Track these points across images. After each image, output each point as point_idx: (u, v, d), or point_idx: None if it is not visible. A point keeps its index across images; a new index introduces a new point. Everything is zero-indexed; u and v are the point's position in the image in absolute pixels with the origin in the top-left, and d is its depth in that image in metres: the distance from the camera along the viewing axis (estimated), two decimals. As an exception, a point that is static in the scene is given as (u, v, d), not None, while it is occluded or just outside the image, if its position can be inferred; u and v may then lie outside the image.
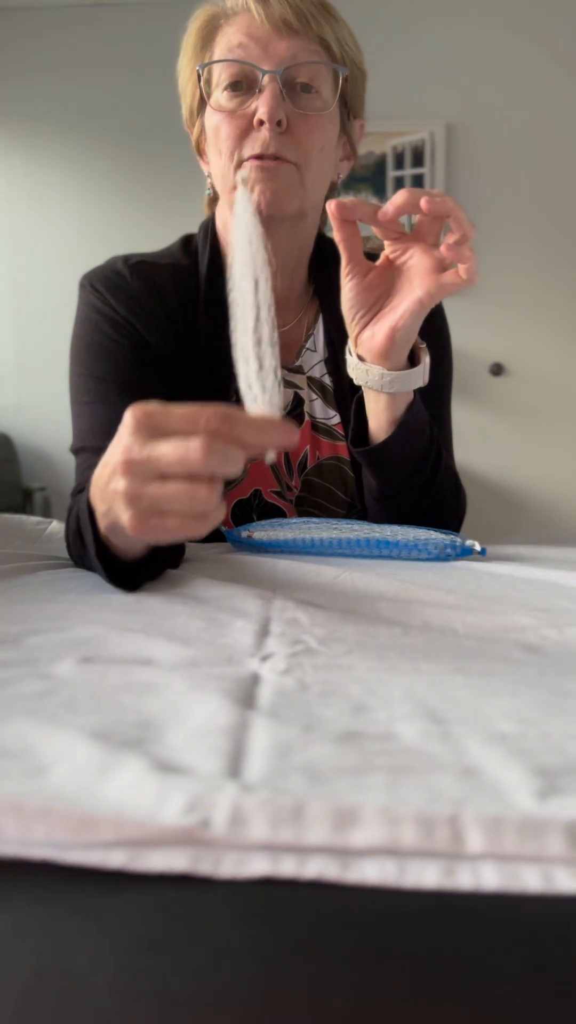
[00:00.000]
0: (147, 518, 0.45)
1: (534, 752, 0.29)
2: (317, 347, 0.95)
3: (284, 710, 0.34)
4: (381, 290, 0.72)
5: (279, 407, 0.48)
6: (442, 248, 0.66)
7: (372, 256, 0.75)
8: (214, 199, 0.91)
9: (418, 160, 3.00)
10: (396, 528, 0.76)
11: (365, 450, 0.79)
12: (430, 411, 0.82)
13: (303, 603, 0.54)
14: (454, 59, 2.98)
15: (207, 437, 0.41)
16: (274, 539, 0.78)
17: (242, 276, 0.53)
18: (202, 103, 0.85)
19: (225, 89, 0.80)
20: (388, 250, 0.72)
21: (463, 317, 2.59)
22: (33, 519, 0.97)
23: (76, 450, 0.84)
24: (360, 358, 0.75)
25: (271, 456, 0.45)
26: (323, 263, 0.94)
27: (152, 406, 0.44)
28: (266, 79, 0.77)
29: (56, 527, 0.93)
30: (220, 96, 0.81)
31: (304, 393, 0.94)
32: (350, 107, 0.87)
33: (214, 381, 0.86)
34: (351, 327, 0.74)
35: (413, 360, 0.76)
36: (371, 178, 3.00)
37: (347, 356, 0.76)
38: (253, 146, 0.78)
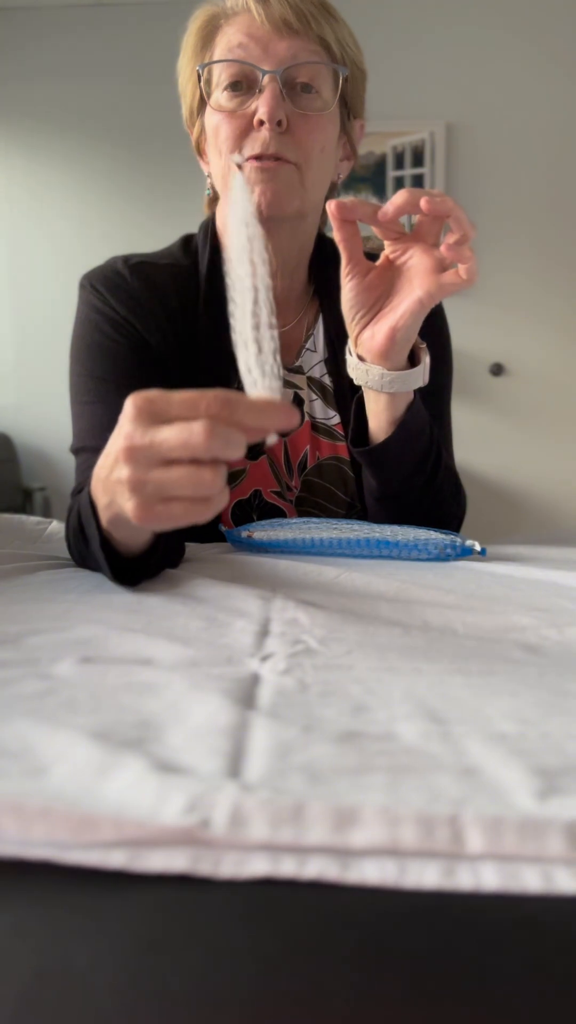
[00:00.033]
0: (152, 505, 0.44)
1: (534, 752, 0.29)
2: (317, 347, 0.95)
3: (284, 710, 0.34)
4: (381, 290, 0.72)
5: (279, 390, 0.48)
6: (442, 248, 0.66)
7: (372, 256, 0.75)
8: (214, 199, 0.91)
9: (418, 160, 3.00)
10: (396, 528, 0.76)
11: (365, 450, 0.79)
12: (430, 411, 0.82)
13: (303, 603, 0.54)
14: (454, 59, 2.98)
15: (209, 420, 0.41)
16: (274, 539, 0.78)
17: (239, 260, 0.52)
18: (202, 103, 0.85)
19: (225, 89, 0.80)
20: (388, 250, 0.72)
21: (463, 317, 2.59)
22: (33, 519, 0.97)
23: (76, 450, 0.84)
24: (360, 358, 0.75)
25: (272, 439, 0.44)
26: (323, 263, 0.94)
27: (152, 393, 0.44)
28: (266, 79, 0.77)
29: (56, 527, 0.93)
30: (220, 96, 0.81)
31: (304, 393, 0.94)
32: (350, 107, 0.87)
33: (214, 381, 0.85)
34: (351, 327, 0.74)
35: (413, 360, 0.76)
36: (371, 178, 3.00)
37: (347, 356, 0.76)
38: (253, 146, 0.78)
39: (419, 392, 0.77)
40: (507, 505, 3.07)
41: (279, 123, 0.77)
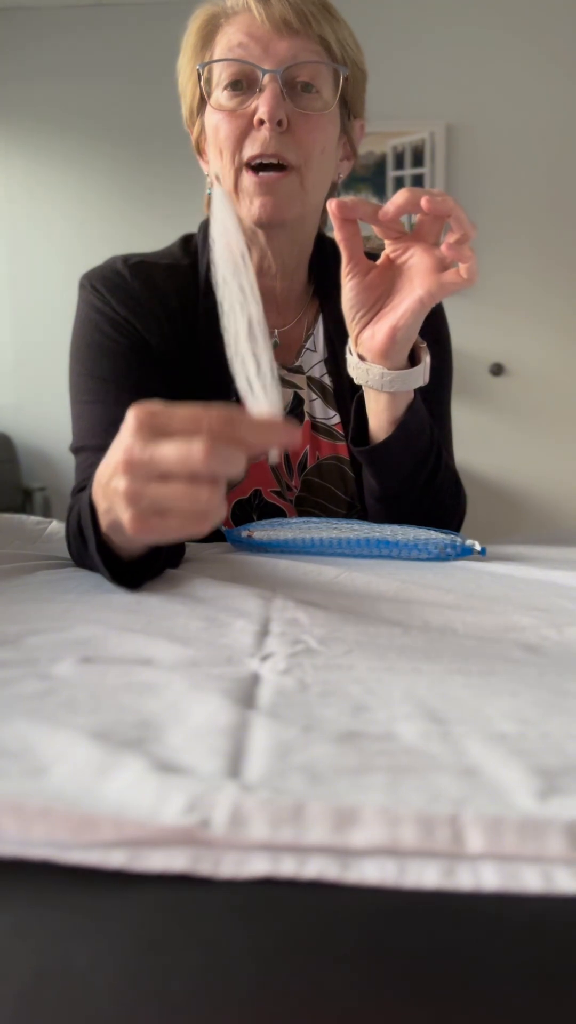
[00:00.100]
0: (147, 518, 0.45)
1: (534, 752, 0.29)
2: (317, 347, 0.95)
3: (284, 710, 0.33)
4: (382, 289, 0.72)
5: (280, 406, 0.48)
6: (443, 247, 0.66)
7: (372, 256, 0.75)
8: (214, 199, 0.91)
9: (418, 160, 3.00)
10: (396, 528, 0.76)
11: (365, 450, 0.79)
12: (430, 411, 0.82)
13: (303, 603, 0.54)
14: (454, 59, 2.98)
15: (209, 438, 0.41)
16: (274, 539, 0.78)
17: (228, 281, 0.52)
18: (202, 102, 0.85)
19: (225, 88, 0.80)
20: (388, 249, 0.72)
21: (463, 317, 2.60)
22: (33, 519, 0.97)
23: (76, 450, 0.84)
24: (360, 357, 0.75)
25: (274, 456, 0.45)
26: (323, 263, 0.94)
27: (154, 406, 0.44)
28: (266, 79, 0.77)
29: (56, 527, 0.93)
30: (220, 95, 0.81)
31: (304, 393, 0.94)
32: (350, 107, 0.87)
33: (214, 381, 0.86)
34: (351, 326, 0.74)
35: (413, 360, 0.76)
36: (371, 178, 3.01)
37: (347, 355, 0.76)
38: (253, 146, 0.78)
39: (419, 392, 0.77)
40: (507, 505, 3.07)
41: (279, 123, 0.77)
